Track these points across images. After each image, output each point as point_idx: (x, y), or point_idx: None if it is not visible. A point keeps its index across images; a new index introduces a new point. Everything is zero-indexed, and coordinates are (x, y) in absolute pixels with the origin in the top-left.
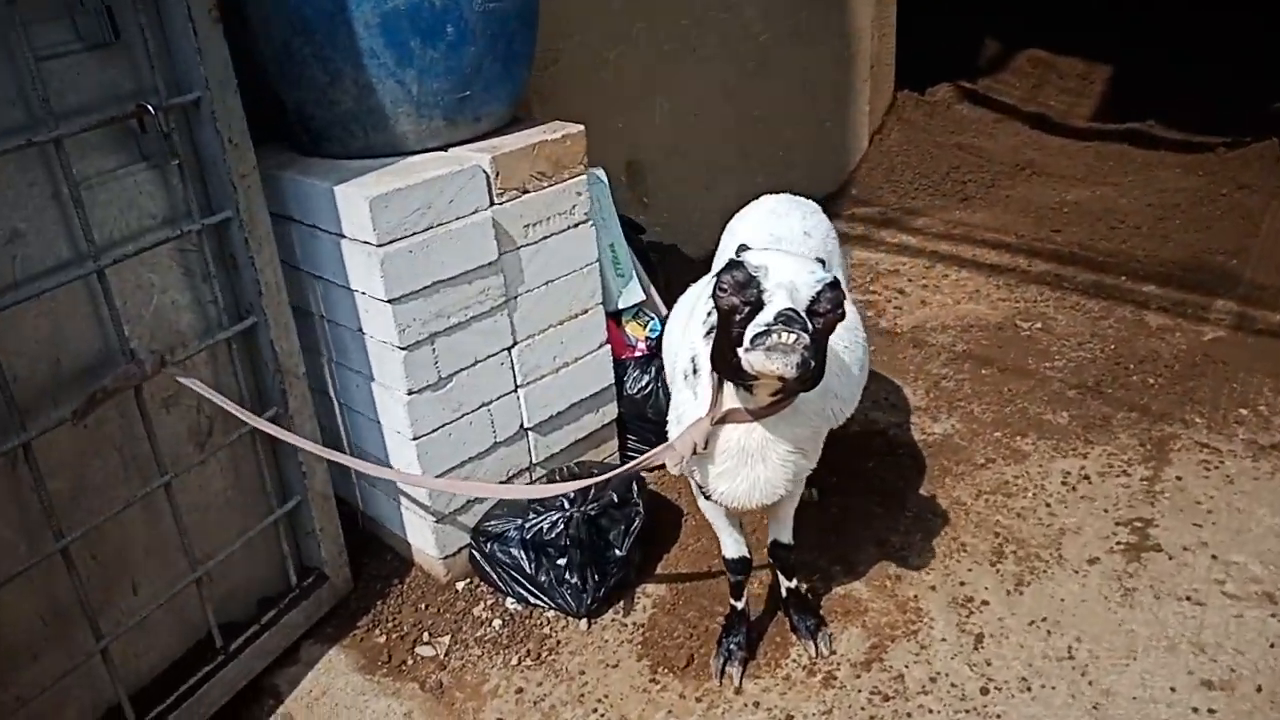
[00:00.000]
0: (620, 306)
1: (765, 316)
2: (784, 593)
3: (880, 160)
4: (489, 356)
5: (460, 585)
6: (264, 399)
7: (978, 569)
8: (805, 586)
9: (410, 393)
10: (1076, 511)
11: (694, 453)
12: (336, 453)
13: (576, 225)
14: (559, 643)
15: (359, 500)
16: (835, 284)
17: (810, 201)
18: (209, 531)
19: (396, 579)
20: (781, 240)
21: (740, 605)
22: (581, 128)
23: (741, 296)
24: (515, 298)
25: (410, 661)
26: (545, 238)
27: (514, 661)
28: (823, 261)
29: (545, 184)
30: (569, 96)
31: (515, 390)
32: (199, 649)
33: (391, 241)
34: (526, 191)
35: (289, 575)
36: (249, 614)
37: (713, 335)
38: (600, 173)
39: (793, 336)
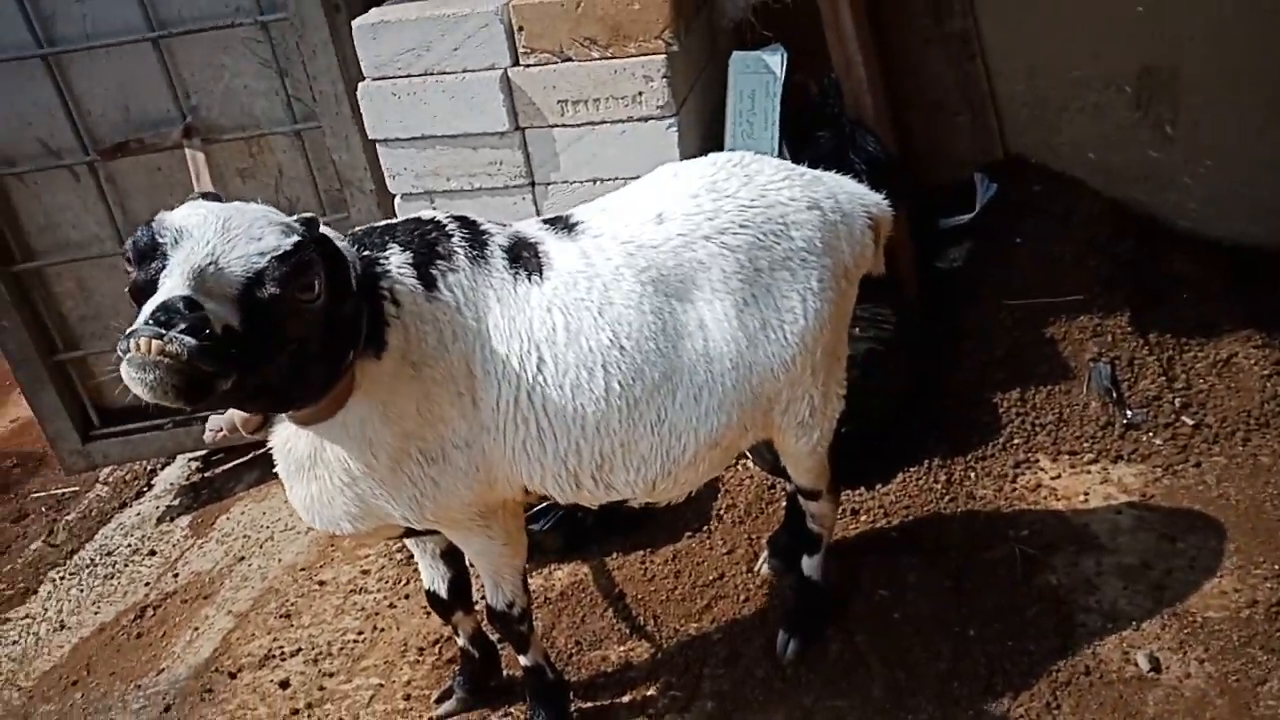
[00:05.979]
0: None
1: (143, 313)
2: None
3: None
4: None
5: None
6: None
7: None
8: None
9: None
10: None
11: (228, 433)
12: None
13: (645, 119)
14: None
15: None
16: (293, 254)
17: (768, 169)
18: None
19: None
20: (614, 215)
21: (462, 643)
22: None
23: (142, 273)
24: (546, 185)
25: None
26: (592, 123)
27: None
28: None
29: (596, 54)
30: None
31: None
32: None
33: (379, 78)
34: (567, 59)
35: None
36: None
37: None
38: (774, 60)
39: (151, 342)
